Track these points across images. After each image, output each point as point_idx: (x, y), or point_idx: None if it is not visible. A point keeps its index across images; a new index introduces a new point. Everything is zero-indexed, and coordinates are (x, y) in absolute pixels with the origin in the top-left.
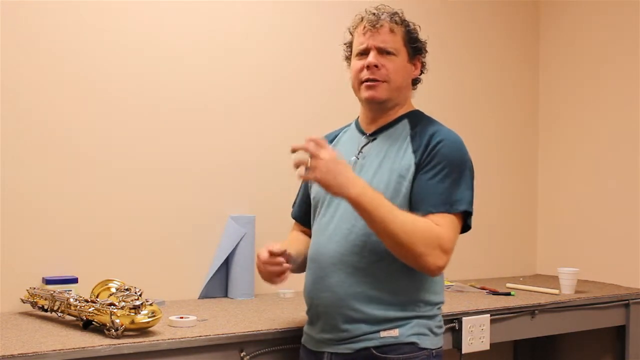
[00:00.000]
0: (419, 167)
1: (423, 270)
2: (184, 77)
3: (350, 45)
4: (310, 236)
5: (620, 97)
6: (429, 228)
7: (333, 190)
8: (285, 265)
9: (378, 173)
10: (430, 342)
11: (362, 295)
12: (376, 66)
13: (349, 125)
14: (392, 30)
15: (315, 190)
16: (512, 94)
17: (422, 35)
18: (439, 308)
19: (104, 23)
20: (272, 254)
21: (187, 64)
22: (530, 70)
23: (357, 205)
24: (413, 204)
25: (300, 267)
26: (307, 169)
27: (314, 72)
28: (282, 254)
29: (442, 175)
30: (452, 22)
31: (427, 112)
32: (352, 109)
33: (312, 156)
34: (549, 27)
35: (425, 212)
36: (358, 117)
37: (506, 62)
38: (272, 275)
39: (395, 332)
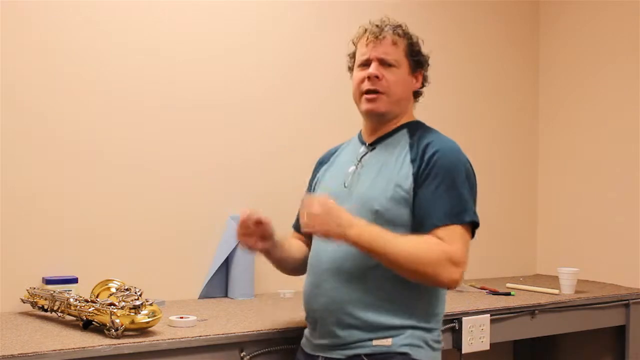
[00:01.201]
0: (417, 179)
1: (441, 287)
2: (183, 78)
3: (353, 56)
4: (304, 243)
5: (620, 97)
6: (433, 247)
7: (333, 237)
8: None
9: (375, 181)
10: (424, 355)
11: (357, 300)
12: (377, 77)
13: (352, 138)
14: (394, 43)
15: None
16: (512, 94)
17: (424, 47)
18: (438, 321)
19: (104, 23)
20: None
21: (187, 65)
22: (530, 70)
23: (358, 245)
24: (418, 219)
25: (286, 264)
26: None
27: (314, 72)
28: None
29: (444, 187)
30: (451, 22)
31: (427, 114)
32: (352, 110)
33: (306, 212)
34: (549, 27)
35: (431, 227)
36: (361, 130)
37: (506, 62)
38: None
39: (388, 342)
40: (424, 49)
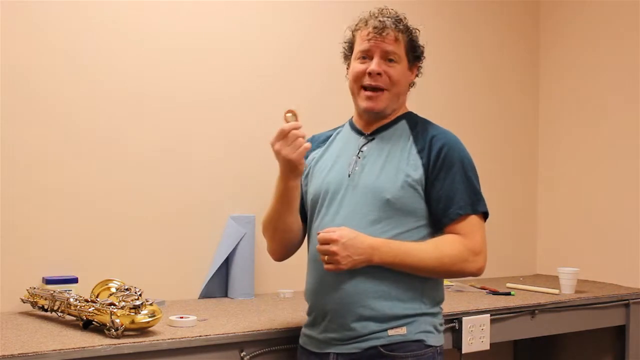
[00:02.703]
0: (428, 170)
1: (469, 277)
2: (184, 78)
3: (350, 44)
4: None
5: (620, 97)
6: (455, 246)
7: (359, 266)
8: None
9: (383, 171)
10: (435, 340)
11: (371, 291)
12: (379, 74)
13: (341, 126)
14: (396, 39)
15: (314, 188)
16: (513, 94)
17: (421, 39)
18: (441, 306)
19: (109, 20)
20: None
21: (186, 64)
22: (530, 70)
23: (385, 265)
24: (439, 211)
25: (290, 231)
26: (327, 262)
27: (313, 71)
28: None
29: (459, 179)
30: (451, 22)
31: (427, 113)
32: (351, 107)
33: (327, 253)
34: (549, 26)
35: (455, 216)
36: (352, 118)
37: (506, 62)
38: (296, 147)
39: (403, 330)
40: (420, 40)
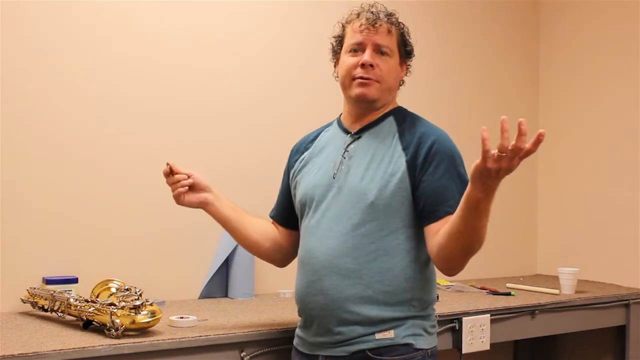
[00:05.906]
0: (414, 168)
1: (449, 274)
2: (184, 78)
3: (339, 38)
4: (281, 233)
5: (620, 96)
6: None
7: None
8: (183, 184)
9: (368, 173)
10: (425, 342)
11: (356, 296)
12: (371, 65)
13: (330, 123)
14: (389, 31)
15: (302, 191)
16: (512, 93)
17: (413, 38)
18: (433, 308)
19: (105, 26)
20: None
21: (189, 70)
22: (530, 70)
23: (485, 200)
24: (428, 207)
25: (245, 237)
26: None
27: (313, 75)
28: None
29: (449, 175)
30: (451, 22)
31: (426, 112)
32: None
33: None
34: (549, 27)
35: (445, 214)
36: (340, 116)
37: (506, 62)
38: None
39: (390, 334)
40: (411, 38)
